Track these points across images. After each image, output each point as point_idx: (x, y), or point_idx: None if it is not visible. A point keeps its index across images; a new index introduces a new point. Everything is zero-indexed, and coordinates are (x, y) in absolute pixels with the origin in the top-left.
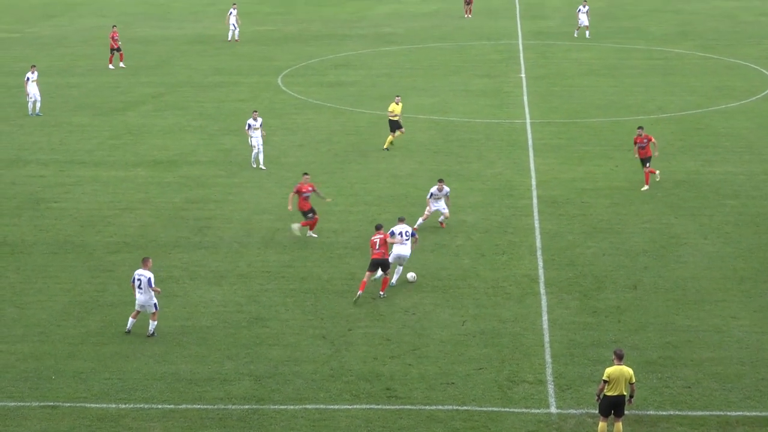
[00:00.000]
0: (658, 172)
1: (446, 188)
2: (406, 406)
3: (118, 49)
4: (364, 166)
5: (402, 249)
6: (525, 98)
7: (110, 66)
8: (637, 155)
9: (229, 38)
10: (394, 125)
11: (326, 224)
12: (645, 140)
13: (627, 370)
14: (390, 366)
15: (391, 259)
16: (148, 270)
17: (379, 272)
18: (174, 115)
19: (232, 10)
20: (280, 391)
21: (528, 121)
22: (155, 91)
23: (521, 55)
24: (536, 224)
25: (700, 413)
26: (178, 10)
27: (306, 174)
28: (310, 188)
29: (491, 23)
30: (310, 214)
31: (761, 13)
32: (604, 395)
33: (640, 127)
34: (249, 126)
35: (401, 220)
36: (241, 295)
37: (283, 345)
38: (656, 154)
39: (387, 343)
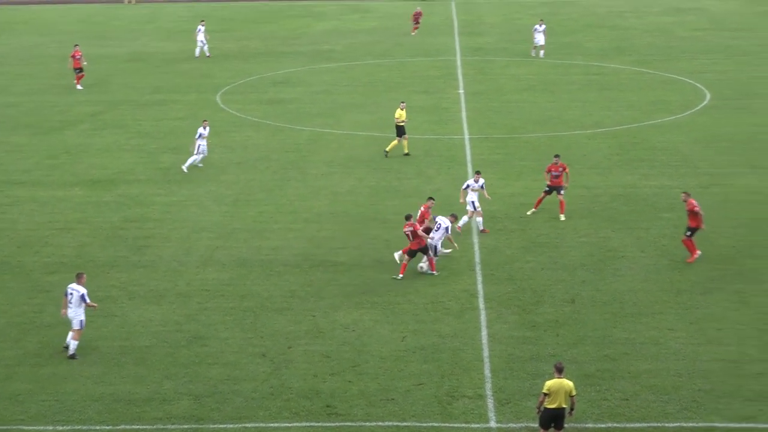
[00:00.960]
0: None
1: (482, 180)
2: (346, 423)
3: (81, 69)
4: (303, 183)
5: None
6: (463, 114)
7: (78, 87)
8: (548, 182)
9: (197, 54)
10: (400, 131)
11: (265, 242)
12: (560, 169)
13: (567, 383)
14: (330, 383)
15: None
16: (82, 285)
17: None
18: (112, 133)
19: (200, 26)
20: (219, 410)
21: (466, 136)
22: (93, 110)
23: (459, 71)
24: (475, 239)
25: (637, 425)
26: (116, 29)
27: (431, 199)
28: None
29: (430, 40)
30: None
31: (696, 29)
32: (545, 408)
33: (556, 156)
34: (200, 135)
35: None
36: (180, 314)
37: (222, 364)
38: (566, 185)
39: (327, 360)
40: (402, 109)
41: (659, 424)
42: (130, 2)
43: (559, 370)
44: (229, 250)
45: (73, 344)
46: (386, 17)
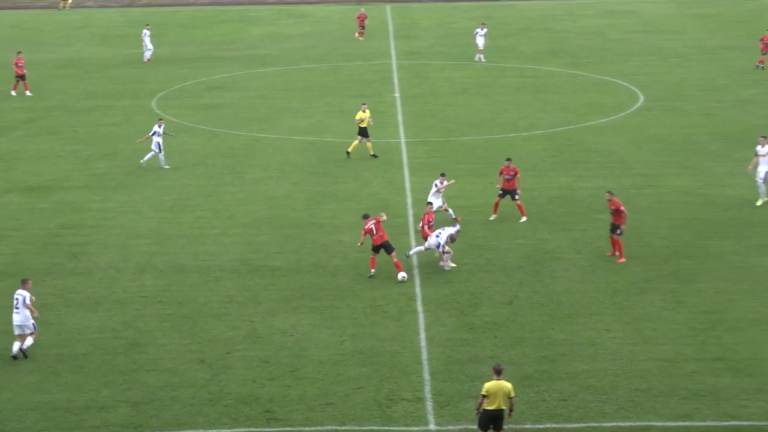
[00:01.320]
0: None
1: (446, 182)
2: (285, 428)
3: (23, 77)
4: (239, 188)
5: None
6: (399, 118)
7: (13, 93)
8: (500, 185)
9: (146, 59)
10: (363, 132)
11: (202, 247)
12: (512, 173)
13: (506, 385)
14: (269, 388)
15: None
16: (26, 290)
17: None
18: (47, 140)
19: (145, 30)
20: (158, 416)
21: (403, 140)
22: (27, 117)
23: (395, 74)
24: (413, 243)
25: (576, 425)
26: (50, 34)
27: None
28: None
29: (365, 44)
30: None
31: (629, 31)
32: (483, 409)
33: (508, 159)
34: (155, 132)
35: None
36: (117, 321)
37: (160, 370)
38: (519, 191)
39: (265, 366)
40: (363, 111)
41: (597, 424)
42: (63, 8)
43: (498, 372)
44: (166, 256)
45: (29, 340)
46: (321, 22)
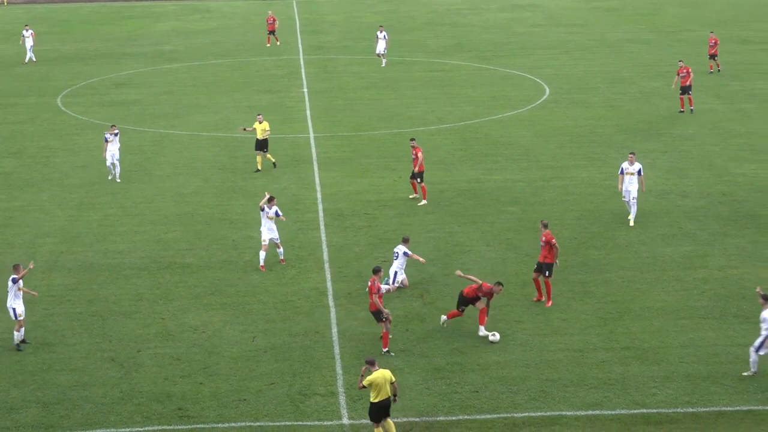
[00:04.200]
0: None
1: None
2: (198, 426)
3: None
4: (148, 185)
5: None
6: (308, 113)
7: None
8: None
9: (26, 60)
10: (261, 145)
11: (111, 245)
12: (414, 154)
13: (387, 373)
14: (181, 386)
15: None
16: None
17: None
18: None
19: (24, 32)
20: (69, 416)
21: (312, 135)
22: None
23: (303, 69)
24: (323, 237)
25: (488, 416)
26: None
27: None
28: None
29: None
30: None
31: (533, 25)
32: (372, 402)
33: (412, 139)
34: (106, 139)
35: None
36: (25, 320)
37: (70, 370)
38: (416, 169)
39: (177, 363)
40: (259, 123)
41: (509, 415)
42: None
43: (372, 363)
44: (74, 254)
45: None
46: (227, 17)
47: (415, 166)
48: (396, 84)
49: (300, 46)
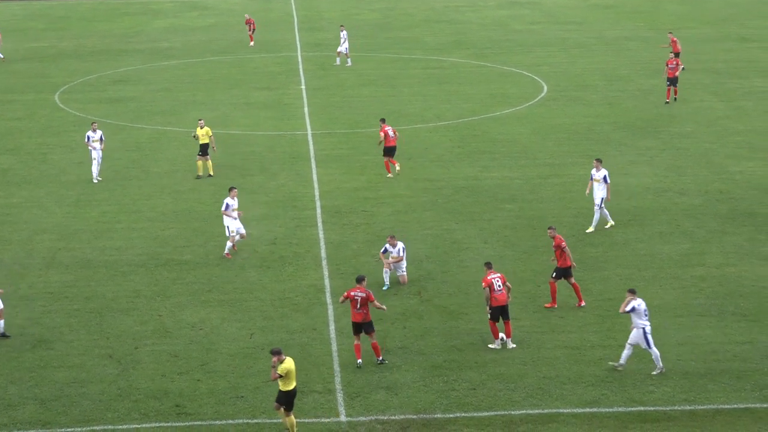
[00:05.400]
0: (398, 166)
1: None
2: (196, 422)
3: None
4: (145, 182)
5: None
6: (306, 110)
7: None
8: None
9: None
10: (203, 149)
11: (109, 242)
12: (393, 134)
13: (291, 361)
14: (179, 383)
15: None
16: None
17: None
18: None
19: None
20: (66, 413)
21: (309, 132)
22: None
23: (300, 66)
24: (321, 234)
25: (485, 414)
26: None
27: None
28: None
29: (270, 36)
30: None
31: (531, 22)
32: (286, 391)
33: (382, 119)
34: (88, 138)
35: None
36: (23, 317)
37: (68, 366)
38: (378, 144)
39: (175, 360)
40: (201, 128)
41: (506, 412)
42: None
43: (280, 353)
44: (72, 251)
45: None
46: (225, 14)
47: (386, 144)
48: (394, 81)
49: (298, 43)
